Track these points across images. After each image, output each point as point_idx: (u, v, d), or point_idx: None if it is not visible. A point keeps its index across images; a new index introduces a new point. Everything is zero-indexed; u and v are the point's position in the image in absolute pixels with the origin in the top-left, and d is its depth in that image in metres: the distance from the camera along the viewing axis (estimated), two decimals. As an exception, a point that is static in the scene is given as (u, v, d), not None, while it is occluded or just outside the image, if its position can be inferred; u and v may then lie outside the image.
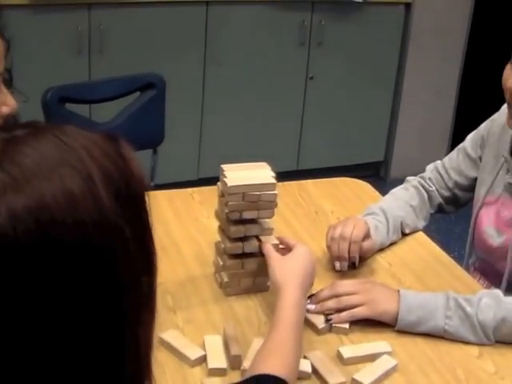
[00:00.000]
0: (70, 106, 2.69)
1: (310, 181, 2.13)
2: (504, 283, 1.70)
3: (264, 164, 1.50)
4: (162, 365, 1.30)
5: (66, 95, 2.67)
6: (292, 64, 3.99)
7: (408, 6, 4.08)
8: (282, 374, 1.09)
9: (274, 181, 1.44)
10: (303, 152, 4.19)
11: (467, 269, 1.85)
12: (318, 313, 1.44)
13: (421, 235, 1.84)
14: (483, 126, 1.85)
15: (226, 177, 1.44)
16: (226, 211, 1.44)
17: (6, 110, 1.32)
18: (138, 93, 2.81)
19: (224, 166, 1.48)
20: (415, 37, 4.14)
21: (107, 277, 0.57)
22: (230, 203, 1.43)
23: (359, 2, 3.92)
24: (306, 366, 1.28)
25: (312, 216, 1.90)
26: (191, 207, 1.90)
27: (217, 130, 3.91)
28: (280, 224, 1.83)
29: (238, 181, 1.43)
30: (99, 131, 0.61)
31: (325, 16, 3.94)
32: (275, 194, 1.44)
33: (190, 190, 2.01)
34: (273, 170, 1.48)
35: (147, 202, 0.62)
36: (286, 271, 1.32)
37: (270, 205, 1.45)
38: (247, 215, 1.45)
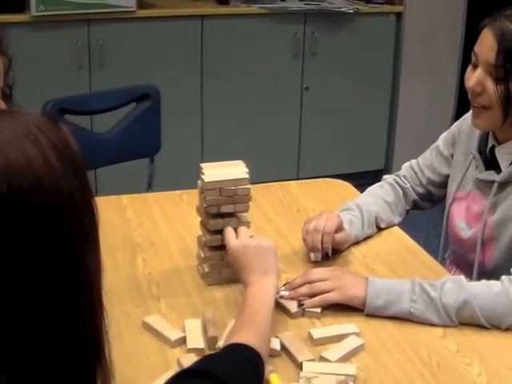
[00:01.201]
0: (69, 118, 2.80)
1: (293, 182, 2.24)
2: (475, 274, 1.80)
3: (240, 162, 1.61)
4: (144, 346, 1.41)
5: (65, 107, 2.78)
6: (287, 75, 4.11)
7: (399, 15, 4.20)
8: (254, 345, 1.20)
9: (247, 176, 1.55)
10: (303, 161, 4.29)
11: (443, 262, 1.94)
12: (291, 299, 1.55)
13: (396, 229, 1.93)
14: (455, 124, 1.95)
15: (203, 174, 1.55)
16: (205, 205, 1.56)
17: None
18: (134, 104, 2.92)
19: (203, 165, 1.59)
20: (408, 45, 4.24)
21: (58, 222, 0.69)
22: (207, 198, 1.54)
23: (350, 13, 4.04)
24: (275, 344, 1.38)
25: (293, 214, 2.00)
26: (179, 207, 2.01)
27: (216, 141, 4.02)
28: (262, 221, 1.94)
29: (215, 177, 1.54)
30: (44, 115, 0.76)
31: (317, 27, 4.06)
32: (249, 188, 1.55)
33: (178, 191, 2.12)
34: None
35: (85, 166, 0.74)
36: (248, 254, 1.42)
37: (245, 198, 1.56)
38: (224, 209, 1.56)
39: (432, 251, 1.90)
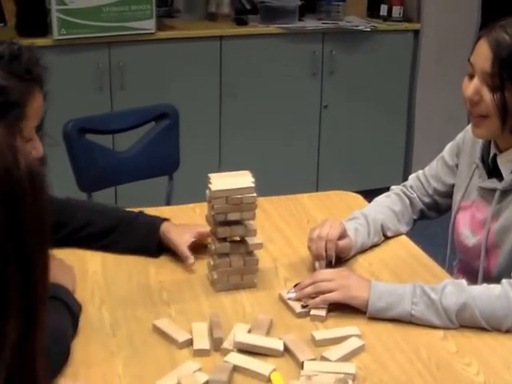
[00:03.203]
0: (91, 137, 2.88)
1: (305, 194, 2.29)
2: (480, 280, 1.83)
3: (246, 172, 1.68)
4: (153, 347, 1.48)
5: (86, 126, 2.87)
6: (306, 94, 4.17)
7: (416, 32, 4.25)
8: None
9: (253, 185, 1.62)
10: (322, 179, 4.33)
11: (451, 270, 1.98)
12: (298, 300, 1.61)
13: (403, 238, 1.98)
14: (460, 135, 2.00)
15: (211, 183, 1.62)
16: (213, 213, 1.62)
17: (34, 154, 1.52)
18: (153, 123, 2.99)
19: (211, 175, 1.66)
20: (425, 62, 4.29)
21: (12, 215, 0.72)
22: (215, 206, 1.61)
23: (368, 31, 4.10)
24: (278, 345, 1.44)
25: (303, 225, 2.05)
26: (192, 219, 2.07)
27: (234, 160, 4.08)
28: (271, 230, 2.00)
29: (222, 186, 1.61)
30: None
31: (335, 46, 4.12)
32: (254, 196, 1.62)
33: (192, 204, 2.18)
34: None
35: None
36: None
37: (251, 206, 1.62)
38: (231, 217, 1.62)
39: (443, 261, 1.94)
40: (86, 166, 2.80)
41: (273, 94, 4.09)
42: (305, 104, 4.18)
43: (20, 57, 1.48)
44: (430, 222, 2.15)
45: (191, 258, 1.75)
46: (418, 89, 4.34)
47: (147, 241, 1.82)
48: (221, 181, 1.63)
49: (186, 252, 1.75)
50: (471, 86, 1.68)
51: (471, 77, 1.69)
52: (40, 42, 3.54)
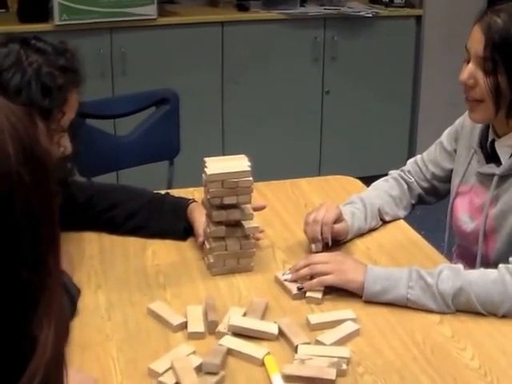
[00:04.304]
0: (91, 122, 2.88)
1: (304, 179, 2.29)
2: (478, 265, 1.83)
3: (242, 156, 1.67)
4: (148, 331, 1.48)
5: (85, 111, 2.85)
6: (307, 79, 4.16)
7: (419, 18, 4.23)
8: None
9: (248, 169, 1.61)
10: (324, 165, 4.32)
11: (450, 256, 1.98)
12: (293, 281, 1.61)
13: (401, 223, 1.98)
14: (458, 120, 2.00)
15: (206, 167, 1.62)
16: (208, 197, 1.62)
17: (62, 150, 1.59)
18: (153, 108, 2.99)
19: (206, 159, 1.66)
20: (428, 48, 4.27)
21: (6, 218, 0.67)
22: (210, 190, 1.61)
23: (370, 17, 4.08)
24: (273, 328, 1.44)
25: (301, 208, 2.05)
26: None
27: (236, 145, 4.06)
28: (270, 215, 2.00)
29: (217, 170, 1.61)
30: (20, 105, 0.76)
31: (337, 31, 4.11)
32: (250, 180, 1.61)
33: (191, 189, 2.18)
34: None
35: (51, 169, 0.73)
36: None
37: (247, 190, 1.62)
38: (227, 200, 1.62)
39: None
40: (86, 150, 2.79)
41: (275, 80, 4.08)
42: (307, 90, 4.17)
43: (65, 53, 1.56)
44: (434, 209, 2.15)
45: (201, 237, 1.75)
46: (422, 74, 4.32)
47: (175, 222, 1.84)
48: (216, 165, 1.63)
49: (200, 231, 1.76)
50: (466, 70, 1.68)
51: (468, 62, 1.69)
52: (41, 27, 3.54)
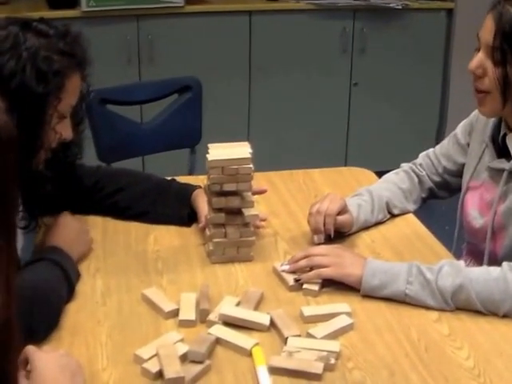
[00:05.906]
0: (113, 108, 2.88)
1: (316, 170, 2.26)
2: (486, 263, 1.78)
3: (245, 143, 1.65)
4: (140, 317, 1.47)
5: (107, 97, 2.87)
6: (335, 71, 4.12)
7: (450, 11, 4.15)
8: None
9: (249, 156, 1.59)
10: (350, 157, 4.28)
11: (460, 252, 1.94)
12: (291, 272, 1.59)
13: (410, 217, 1.94)
14: (473, 113, 1.95)
15: (208, 153, 1.60)
16: (208, 183, 1.61)
17: (63, 135, 1.59)
18: (175, 95, 2.98)
19: (210, 145, 1.65)
20: (458, 43, 4.19)
21: None
22: (211, 176, 1.60)
23: (399, 9, 4.02)
24: (264, 319, 1.42)
25: (310, 199, 2.01)
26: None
27: (263, 137, 4.05)
28: (278, 204, 1.98)
29: (218, 156, 1.59)
30: None
31: (366, 23, 4.05)
32: (251, 167, 1.59)
33: (202, 176, 2.16)
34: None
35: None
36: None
37: (247, 177, 1.60)
38: (227, 187, 1.60)
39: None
40: (106, 135, 2.80)
41: (302, 71, 4.05)
42: (334, 81, 4.13)
43: (65, 37, 1.55)
44: (447, 204, 2.11)
45: (202, 223, 1.74)
46: (452, 68, 4.25)
47: (180, 208, 1.84)
48: (218, 151, 1.61)
49: (202, 216, 1.75)
50: (475, 60, 1.65)
51: (479, 51, 1.65)
52: (69, 13, 3.55)
